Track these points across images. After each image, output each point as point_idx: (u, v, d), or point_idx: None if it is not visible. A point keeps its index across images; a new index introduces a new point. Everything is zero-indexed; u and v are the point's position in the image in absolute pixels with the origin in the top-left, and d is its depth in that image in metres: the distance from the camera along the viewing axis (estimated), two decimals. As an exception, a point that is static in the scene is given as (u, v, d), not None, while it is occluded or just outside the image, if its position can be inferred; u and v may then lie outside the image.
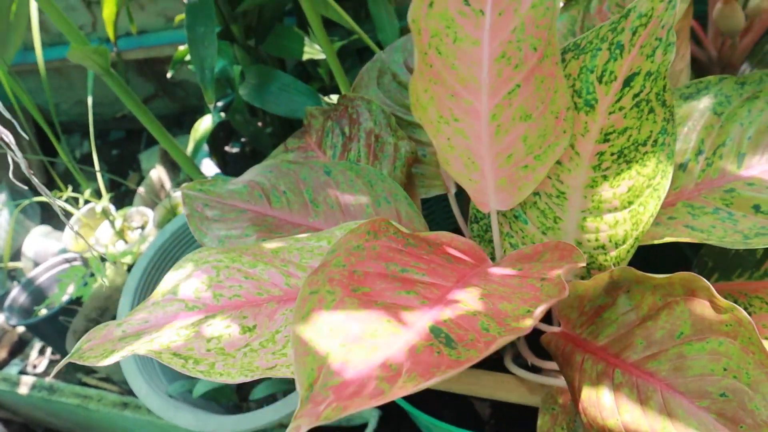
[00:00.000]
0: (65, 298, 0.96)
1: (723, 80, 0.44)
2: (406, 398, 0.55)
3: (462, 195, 0.56)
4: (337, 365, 0.28)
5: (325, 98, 0.73)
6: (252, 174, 0.56)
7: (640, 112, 0.39)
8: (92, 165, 1.31)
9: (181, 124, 1.35)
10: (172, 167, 1.16)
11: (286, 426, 0.74)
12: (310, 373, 0.27)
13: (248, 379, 0.32)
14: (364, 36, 0.74)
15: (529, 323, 0.30)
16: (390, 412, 0.82)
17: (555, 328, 0.46)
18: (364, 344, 0.29)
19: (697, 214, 0.42)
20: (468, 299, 0.34)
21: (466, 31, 0.43)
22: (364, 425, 0.76)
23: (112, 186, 1.27)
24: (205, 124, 0.86)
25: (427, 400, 0.56)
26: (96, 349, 0.35)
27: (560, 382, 0.51)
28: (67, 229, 1.08)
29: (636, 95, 0.39)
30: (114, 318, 0.90)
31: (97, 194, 1.06)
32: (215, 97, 0.65)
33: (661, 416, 0.35)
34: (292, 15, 0.87)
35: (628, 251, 0.42)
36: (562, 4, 0.55)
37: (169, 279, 0.42)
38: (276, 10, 0.73)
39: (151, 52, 1.18)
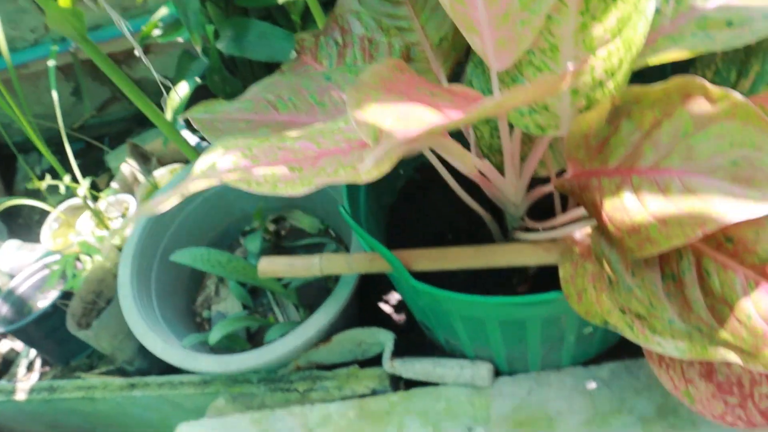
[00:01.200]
0: (56, 293, 0.94)
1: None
2: (430, 280, 0.57)
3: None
4: (395, 130, 0.31)
5: (298, 33, 0.75)
6: (253, 92, 0.58)
7: (619, -56, 0.43)
8: (55, 178, 1.29)
9: (143, 123, 1.35)
10: (143, 159, 1.16)
11: (303, 352, 0.75)
12: (374, 134, 0.30)
13: (312, 189, 0.34)
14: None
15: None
16: (402, 334, 0.84)
17: (568, 176, 0.50)
18: (413, 118, 0.32)
19: (678, 40, 0.47)
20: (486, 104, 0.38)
21: None
22: (379, 355, 0.78)
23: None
24: (181, 91, 0.87)
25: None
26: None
27: (567, 231, 0.54)
28: (44, 229, 1.06)
29: (613, -69, 0.43)
30: (108, 302, 0.89)
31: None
32: (199, 39, 0.67)
33: (683, 195, 0.39)
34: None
35: (624, 78, 0.46)
36: None
37: (202, 163, 0.44)
38: (243, -38, 0.76)
39: (107, 47, 1.17)
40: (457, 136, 0.61)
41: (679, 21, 0.48)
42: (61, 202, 1.08)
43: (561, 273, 0.53)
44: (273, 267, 0.65)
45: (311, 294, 0.85)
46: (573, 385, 0.70)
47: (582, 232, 0.55)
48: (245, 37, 0.76)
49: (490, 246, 0.59)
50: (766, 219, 0.40)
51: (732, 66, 0.50)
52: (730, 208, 0.37)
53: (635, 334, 0.45)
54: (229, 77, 0.85)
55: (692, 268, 0.43)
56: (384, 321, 0.88)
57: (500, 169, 0.57)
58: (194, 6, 0.66)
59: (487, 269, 0.61)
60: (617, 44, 0.45)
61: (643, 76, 0.51)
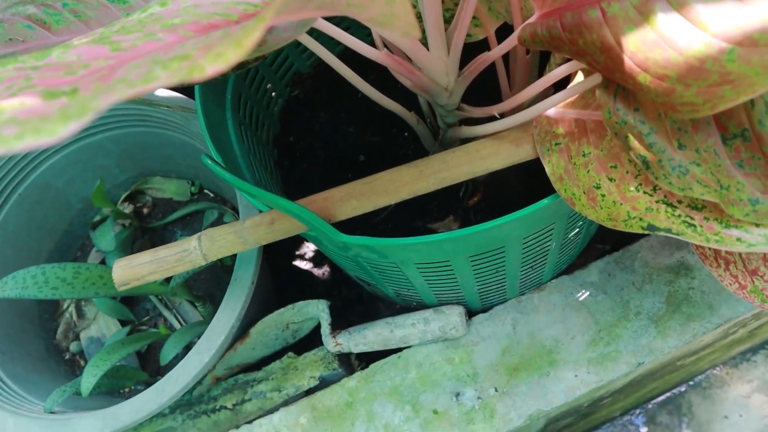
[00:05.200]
0: None
1: None
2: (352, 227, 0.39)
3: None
4: None
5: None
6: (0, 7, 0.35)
7: None
8: None
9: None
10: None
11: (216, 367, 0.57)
12: None
13: (93, 115, 0.16)
14: None
15: None
16: (334, 297, 0.67)
17: (536, 17, 0.32)
18: None
19: None
20: None
21: None
22: (315, 332, 0.60)
23: None
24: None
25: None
26: None
27: (545, 106, 0.37)
28: None
29: None
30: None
31: None
32: None
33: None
34: None
35: None
36: None
37: None
38: None
39: None
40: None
41: None
42: None
43: (548, 169, 0.36)
44: (134, 272, 0.44)
45: (205, 281, 0.65)
46: (563, 302, 0.55)
47: (558, 108, 0.38)
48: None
49: (434, 158, 0.41)
50: None
51: None
52: None
53: (702, 235, 0.29)
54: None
55: (775, 111, 0.27)
56: (306, 286, 0.69)
57: (422, 41, 0.38)
58: None
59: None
60: None
61: None
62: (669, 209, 0.30)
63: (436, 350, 0.55)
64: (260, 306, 0.58)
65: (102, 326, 0.63)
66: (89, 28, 0.33)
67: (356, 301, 0.67)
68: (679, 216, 0.30)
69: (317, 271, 0.70)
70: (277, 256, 0.70)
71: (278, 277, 0.70)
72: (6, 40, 0.33)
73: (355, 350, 0.56)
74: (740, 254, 0.35)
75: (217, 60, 0.15)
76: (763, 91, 0.23)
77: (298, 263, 0.71)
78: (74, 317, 0.64)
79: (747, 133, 0.28)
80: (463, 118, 0.45)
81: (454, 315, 0.54)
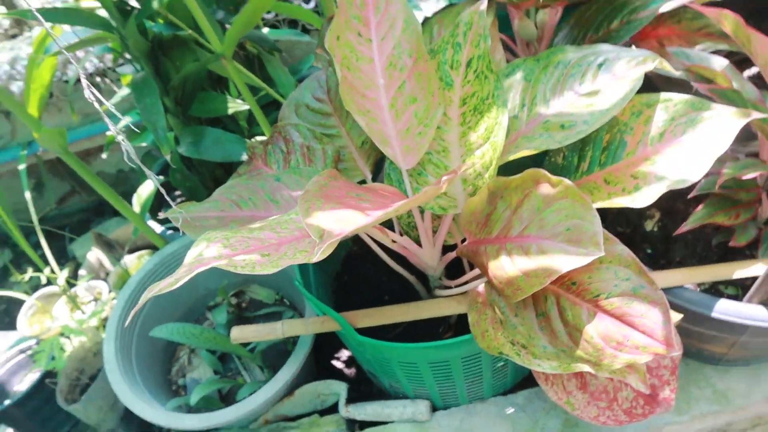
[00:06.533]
0: (34, 375, 1.03)
1: (526, 60, 0.69)
2: (373, 335, 0.72)
3: (376, 179, 0.77)
4: (333, 230, 0.46)
5: (249, 141, 0.91)
6: (218, 194, 0.73)
7: (480, 80, 0.62)
8: (20, 268, 1.38)
9: (102, 212, 1.46)
10: (108, 247, 1.27)
11: (274, 404, 0.87)
12: (319, 233, 0.46)
13: (278, 269, 0.49)
14: (271, 91, 0.94)
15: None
16: (354, 384, 0.97)
17: (465, 244, 0.67)
18: (345, 220, 0.48)
19: (531, 140, 0.65)
20: (397, 205, 0.54)
21: (363, 53, 0.64)
22: (336, 404, 0.91)
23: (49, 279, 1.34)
24: (146, 189, 1.01)
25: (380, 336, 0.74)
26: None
27: (474, 285, 0.70)
28: (20, 317, 1.15)
29: (475, 71, 0.62)
30: (91, 378, 0.99)
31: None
32: (168, 150, 0.81)
33: (538, 255, 0.56)
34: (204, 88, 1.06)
35: (495, 170, 0.63)
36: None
37: (191, 253, 0.58)
38: (197, 81, 0.92)
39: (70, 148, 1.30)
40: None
41: (531, 124, 0.66)
42: (35, 290, 1.18)
43: (469, 319, 0.68)
44: (244, 334, 0.78)
45: (273, 356, 0.98)
46: (496, 412, 0.84)
47: (482, 286, 0.71)
48: (202, 142, 0.91)
49: (417, 303, 0.75)
50: (593, 267, 0.57)
51: (574, 153, 0.68)
52: (565, 261, 0.53)
53: (522, 360, 0.60)
54: (188, 174, 0.99)
55: (554, 306, 0.59)
56: (337, 374, 1.01)
57: (417, 242, 0.73)
58: (162, 123, 0.81)
59: (420, 321, 0.76)
60: (487, 147, 0.63)
61: (519, 163, 0.69)
62: (510, 345, 0.62)
63: (408, 428, 0.85)
64: (305, 377, 0.90)
65: (201, 372, 0.97)
66: (258, 211, 0.70)
67: (366, 389, 0.97)
68: (515, 350, 0.61)
69: (345, 368, 1.02)
70: (324, 352, 1.03)
71: (321, 365, 1.02)
72: (219, 209, 0.71)
73: (358, 418, 0.87)
74: (561, 379, 0.65)
75: (318, 257, 0.50)
76: (530, 293, 0.56)
77: (335, 361, 1.03)
78: (185, 363, 0.98)
79: (545, 314, 0.60)
80: (440, 285, 0.79)
81: (423, 406, 0.84)
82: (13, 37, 1.32)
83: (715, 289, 0.80)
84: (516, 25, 0.89)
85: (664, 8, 0.78)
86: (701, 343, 0.82)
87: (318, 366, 1.01)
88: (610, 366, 0.55)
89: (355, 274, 0.96)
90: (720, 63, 0.75)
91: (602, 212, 0.96)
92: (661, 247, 0.87)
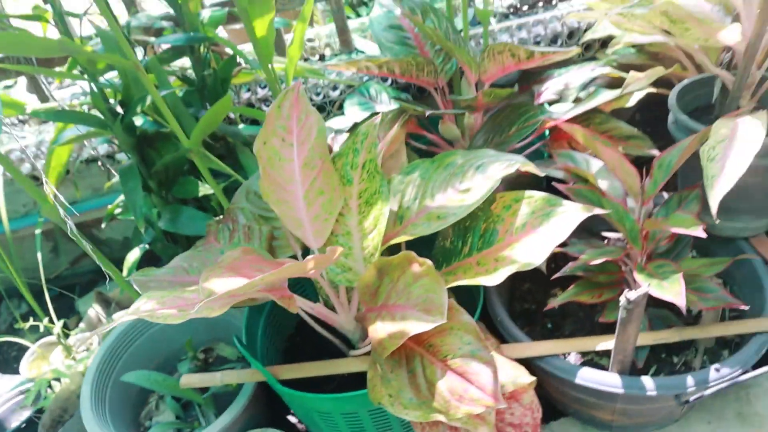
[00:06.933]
0: (27, 413, 1.19)
1: (424, 161, 0.84)
2: (289, 385, 0.85)
3: (305, 256, 0.92)
4: (217, 290, 0.62)
5: (216, 218, 1.08)
6: (175, 261, 0.89)
7: (371, 178, 0.77)
8: (27, 319, 1.56)
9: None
10: (106, 304, 1.44)
11: None
12: (207, 293, 0.61)
13: (185, 320, 0.64)
14: (239, 177, 1.12)
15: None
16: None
17: (362, 311, 0.81)
18: (228, 284, 0.63)
19: (416, 227, 0.79)
20: (264, 276, 0.69)
21: (285, 155, 0.81)
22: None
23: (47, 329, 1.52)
24: (134, 255, 1.18)
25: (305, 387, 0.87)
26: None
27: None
28: (23, 362, 1.32)
29: (368, 171, 0.78)
30: (71, 416, 1.14)
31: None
32: (144, 228, 0.99)
33: (403, 321, 0.70)
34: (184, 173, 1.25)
35: (381, 251, 0.78)
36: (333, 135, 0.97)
37: (133, 306, 0.73)
38: (177, 167, 1.10)
39: (81, 217, 1.50)
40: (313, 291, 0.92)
41: (419, 214, 0.81)
42: (38, 339, 1.35)
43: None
44: (191, 380, 0.92)
45: (228, 403, 1.11)
46: (410, 462, 0.95)
47: (384, 347, 0.84)
48: (179, 218, 1.09)
49: (332, 360, 0.88)
50: (445, 332, 0.70)
51: (459, 239, 0.82)
52: (417, 326, 0.67)
53: (394, 409, 0.73)
54: (168, 244, 1.16)
55: (420, 365, 0.73)
56: (290, 427, 1.14)
57: (334, 309, 0.87)
58: (140, 203, 0.98)
59: (355, 376, 0.89)
60: (375, 232, 0.78)
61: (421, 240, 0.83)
62: (388, 397, 0.74)
63: (332, 473, 0.96)
64: (253, 424, 1.03)
65: (166, 416, 1.10)
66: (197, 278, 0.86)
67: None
68: (390, 401, 0.74)
69: (300, 421, 1.14)
70: (284, 406, 1.16)
71: (281, 418, 1.14)
72: (173, 275, 0.87)
73: (291, 463, 0.98)
74: (432, 427, 0.77)
75: (202, 313, 0.65)
76: (392, 350, 0.69)
77: (293, 414, 1.16)
78: (153, 407, 1.12)
79: (413, 371, 0.73)
80: (358, 346, 0.92)
81: (345, 453, 0.95)
82: (45, 121, 1.55)
83: (594, 361, 0.92)
84: (441, 128, 1.05)
85: (572, 113, 0.95)
86: (589, 409, 0.92)
87: (275, 417, 1.14)
88: (454, 415, 0.67)
89: (305, 336, 1.10)
90: (596, 165, 0.90)
91: (511, 290, 1.11)
92: (559, 322, 1.00)
